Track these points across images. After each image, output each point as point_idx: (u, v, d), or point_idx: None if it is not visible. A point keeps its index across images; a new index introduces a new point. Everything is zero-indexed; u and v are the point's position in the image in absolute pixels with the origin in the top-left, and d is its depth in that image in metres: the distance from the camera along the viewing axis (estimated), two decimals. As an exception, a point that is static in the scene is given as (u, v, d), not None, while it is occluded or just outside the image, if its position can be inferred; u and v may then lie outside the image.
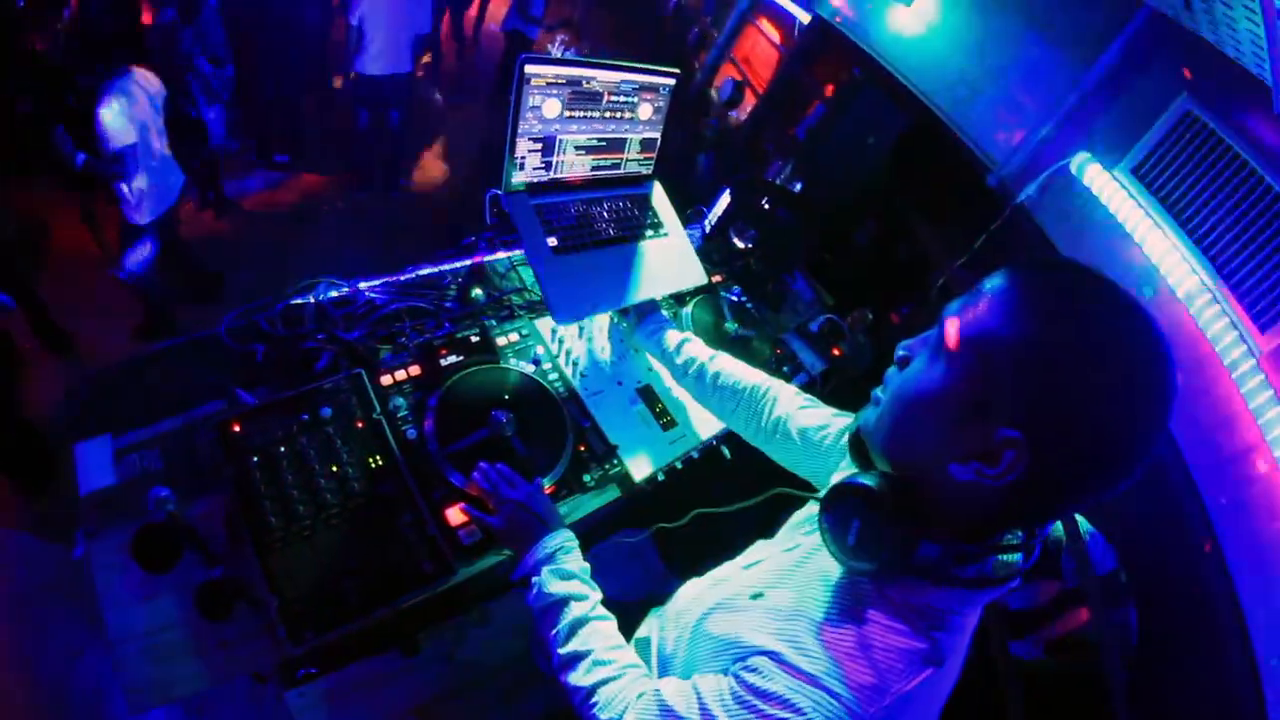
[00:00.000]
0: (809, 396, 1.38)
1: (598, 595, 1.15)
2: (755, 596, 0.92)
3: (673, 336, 1.62)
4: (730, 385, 1.46)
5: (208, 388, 1.52)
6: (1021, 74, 2.12)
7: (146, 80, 3.02)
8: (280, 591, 1.22)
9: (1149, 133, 1.70)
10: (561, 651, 1.05)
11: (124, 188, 3.05)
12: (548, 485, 1.46)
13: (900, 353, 0.81)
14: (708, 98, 4.01)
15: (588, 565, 1.20)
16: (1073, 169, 1.88)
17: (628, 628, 1.18)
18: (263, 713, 2.25)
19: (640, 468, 1.60)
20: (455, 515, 1.38)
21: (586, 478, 1.53)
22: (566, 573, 1.16)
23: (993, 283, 0.71)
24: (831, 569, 0.85)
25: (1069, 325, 0.64)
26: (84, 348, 3.52)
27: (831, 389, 2.23)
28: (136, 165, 3.00)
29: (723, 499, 1.63)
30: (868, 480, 0.77)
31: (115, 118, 2.84)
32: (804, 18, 3.27)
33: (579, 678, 1.01)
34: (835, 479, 0.86)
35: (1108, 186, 1.78)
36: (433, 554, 1.33)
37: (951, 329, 0.72)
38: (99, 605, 1.26)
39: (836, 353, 2.20)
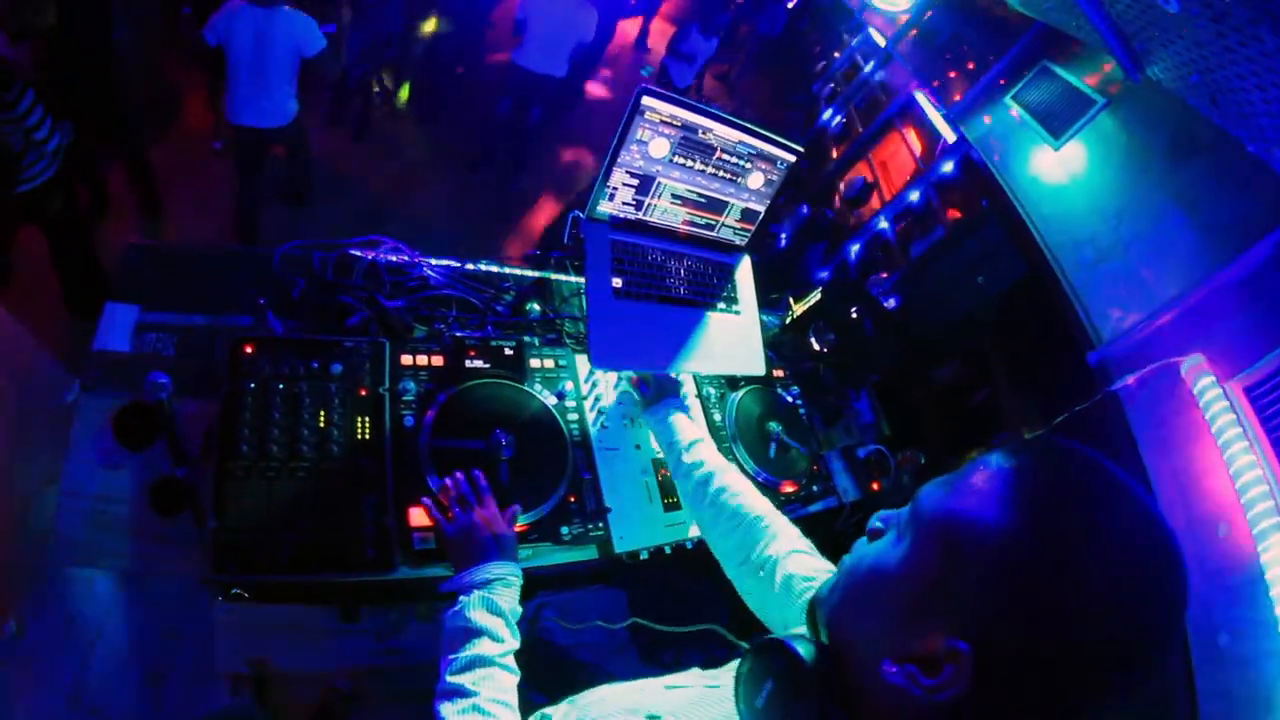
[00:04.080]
0: (808, 542, 1.25)
1: (514, 644, 1.07)
2: (651, 718, 0.83)
3: (685, 428, 1.49)
4: (733, 506, 1.32)
5: (245, 301, 1.54)
6: (1154, 251, 1.93)
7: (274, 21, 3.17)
8: (222, 517, 1.21)
9: (1277, 351, 1.50)
10: (449, 679, 0.99)
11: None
12: (521, 523, 1.36)
13: (874, 523, 0.73)
14: (835, 189, 3.95)
15: (520, 609, 1.13)
16: (1182, 370, 1.68)
17: (552, 684, 1.13)
18: (193, 610, 2.30)
19: (626, 540, 1.48)
20: (418, 516, 1.31)
21: (564, 530, 1.42)
22: (496, 607, 1.09)
23: (982, 461, 0.62)
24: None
25: (1057, 521, 0.55)
26: (168, 219, 3.73)
27: (855, 523, 2.08)
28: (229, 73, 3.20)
29: (701, 599, 1.51)
30: (800, 647, 0.68)
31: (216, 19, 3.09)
32: (949, 137, 3.18)
33: (452, 714, 0.95)
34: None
35: (1217, 402, 1.57)
36: (381, 544, 1.28)
37: (924, 504, 0.64)
38: (66, 452, 1.33)
39: (875, 487, 2.04)
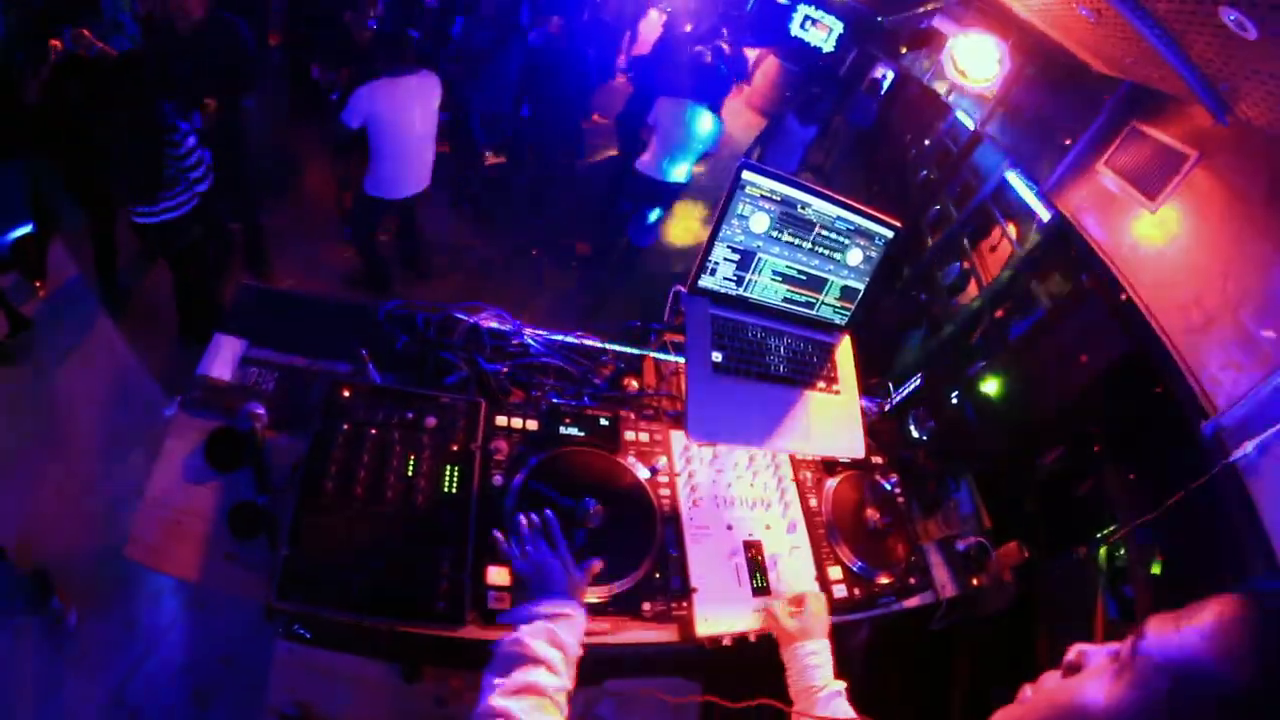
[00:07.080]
0: None
1: (568, 684, 1.02)
2: None
3: (829, 675, 1.35)
4: None
5: (347, 349, 1.61)
6: (1267, 308, 1.76)
7: (422, 87, 3.43)
8: (296, 545, 1.22)
9: None
10: (495, 700, 0.92)
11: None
12: (600, 593, 1.33)
13: (1071, 656, 0.68)
14: (933, 278, 3.87)
15: (580, 650, 1.08)
16: (1307, 433, 1.48)
17: None
18: (256, 642, 2.39)
19: (710, 623, 1.40)
20: (496, 574, 1.29)
21: (645, 605, 1.36)
22: (558, 640, 1.04)
23: (1212, 609, 0.58)
24: None
25: None
26: (278, 274, 4.05)
27: (949, 622, 1.90)
28: (375, 148, 3.44)
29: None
30: None
31: (357, 102, 3.31)
32: (1043, 214, 3.06)
33: None
34: None
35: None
36: (453, 597, 1.26)
37: (1154, 641, 0.59)
38: (154, 461, 1.39)
39: (975, 583, 1.88)
